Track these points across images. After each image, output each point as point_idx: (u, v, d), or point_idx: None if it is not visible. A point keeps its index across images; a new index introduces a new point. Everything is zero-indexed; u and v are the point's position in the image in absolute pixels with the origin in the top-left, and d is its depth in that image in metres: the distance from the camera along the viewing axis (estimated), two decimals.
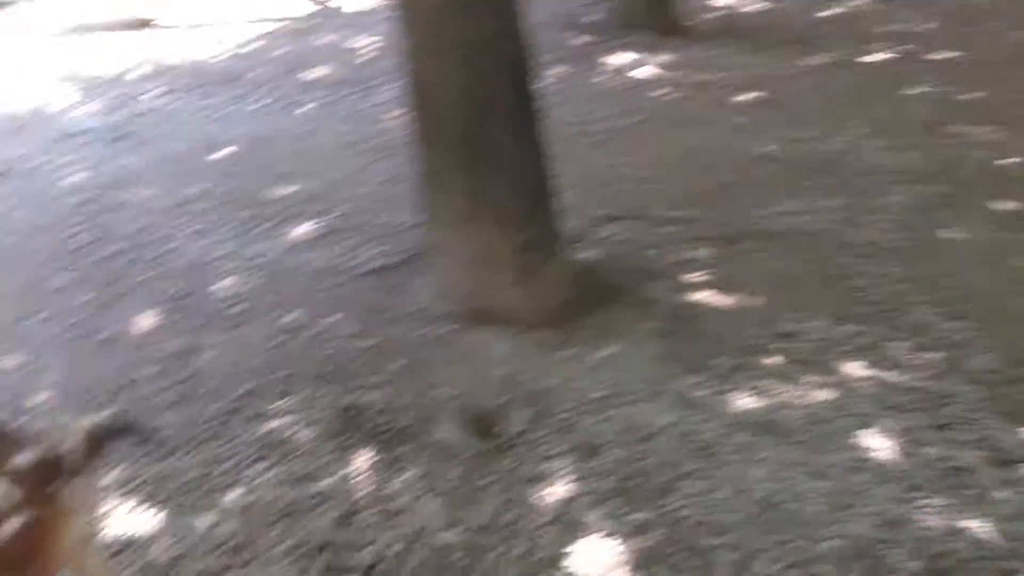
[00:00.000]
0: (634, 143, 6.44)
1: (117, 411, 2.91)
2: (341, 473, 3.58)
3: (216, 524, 3.38)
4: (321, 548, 3.24)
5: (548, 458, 3.55)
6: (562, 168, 4.58)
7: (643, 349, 4.13)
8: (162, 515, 3.43)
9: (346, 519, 3.36)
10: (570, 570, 3.08)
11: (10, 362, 4.33)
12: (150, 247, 5.31)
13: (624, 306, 4.44)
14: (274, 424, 3.86)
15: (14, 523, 2.21)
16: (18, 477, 2.25)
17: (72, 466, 2.31)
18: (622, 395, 3.85)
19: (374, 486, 3.50)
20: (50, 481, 2.30)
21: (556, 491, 3.40)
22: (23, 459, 2.28)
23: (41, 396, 4.04)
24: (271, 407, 3.96)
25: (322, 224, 5.51)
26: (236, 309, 4.70)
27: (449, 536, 3.26)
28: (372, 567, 3.16)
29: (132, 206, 5.82)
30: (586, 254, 4.89)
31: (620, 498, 3.33)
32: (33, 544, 2.27)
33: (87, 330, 4.57)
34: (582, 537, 3.19)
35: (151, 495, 3.53)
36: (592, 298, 4.51)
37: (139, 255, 5.23)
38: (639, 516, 3.24)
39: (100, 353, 4.39)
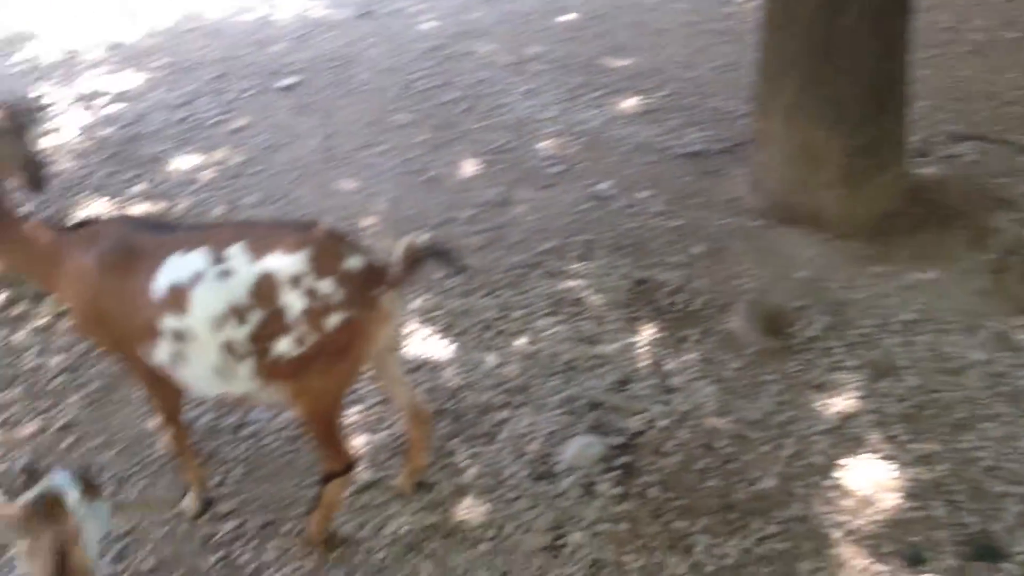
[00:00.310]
0: (1011, 60, 5.75)
1: (437, 236, 3.08)
2: (624, 342, 3.63)
3: (501, 364, 3.57)
4: (593, 406, 3.33)
5: (837, 369, 3.40)
6: (920, 74, 4.20)
7: (968, 279, 3.78)
8: (455, 346, 3.67)
9: (621, 385, 3.43)
10: (840, 482, 2.97)
11: (349, 185, 4.73)
12: (485, 99, 5.53)
13: (956, 231, 4.07)
14: (569, 284, 3.96)
15: (338, 318, 2.45)
16: (345, 278, 2.47)
17: (393, 277, 2.48)
18: (934, 322, 3.57)
19: (654, 360, 3.53)
20: (372, 287, 2.50)
21: (839, 403, 3.25)
22: (351, 263, 2.49)
23: (370, 219, 4.40)
24: (569, 268, 4.06)
25: (649, 100, 5.46)
26: (552, 170, 4.81)
27: (718, 423, 3.24)
28: (637, 434, 3.22)
29: (475, 58, 6.06)
30: (926, 170, 4.50)
31: (908, 424, 3.13)
32: (351, 338, 2.50)
33: (417, 167, 4.88)
34: (858, 454, 3.05)
35: (449, 326, 3.78)
36: (921, 217, 4.16)
37: (474, 105, 5.47)
38: (925, 447, 3.04)
39: (425, 189, 4.69)
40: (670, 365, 3.50)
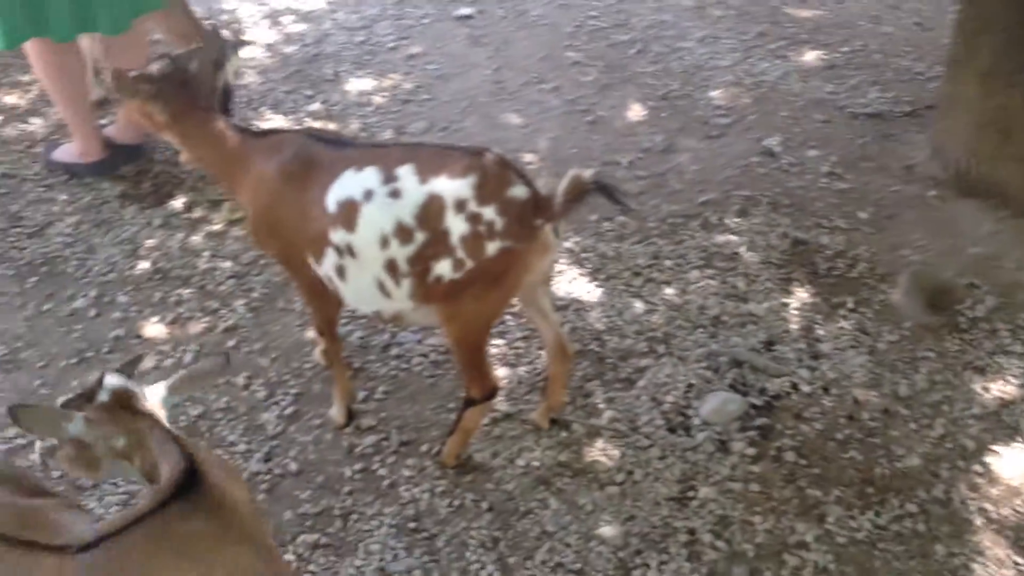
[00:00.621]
0: None
1: (602, 172, 3.07)
2: (775, 302, 3.55)
3: (647, 312, 3.57)
4: (736, 364, 3.29)
5: (1001, 353, 3.23)
6: None
7: None
8: (602, 290, 3.68)
9: (768, 346, 3.37)
10: (989, 468, 2.84)
11: (514, 119, 4.76)
12: (658, 43, 5.43)
13: None
14: (725, 238, 3.89)
15: (497, 245, 2.50)
16: (508, 207, 2.50)
17: (556, 209, 2.49)
18: None
19: (804, 324, 3.44)
20: (534, 217, 2.52)
21: (998, 388, 3.10)
22: (515, 192, 2.52)
23: (531, 156, 4.43)
24: (727, 222, 3.99)
25: (832, 55, 5.22)
26: (721, 120, 4.70)
27: (866, 395, 3.14)
28: (778, 397, 3.16)
29: (655, 1, 5.93)
30: None
31: None
32: (507, 267, 2.55)
33: (583, 107, 4.85)
34: (1012, 443, 2.91)
35: (598, 269, 3.78)
36: None
37: (646, 48, 5.37)
38: None
39: (588, 130, 4.67)
40: (821, 331, 3.41)
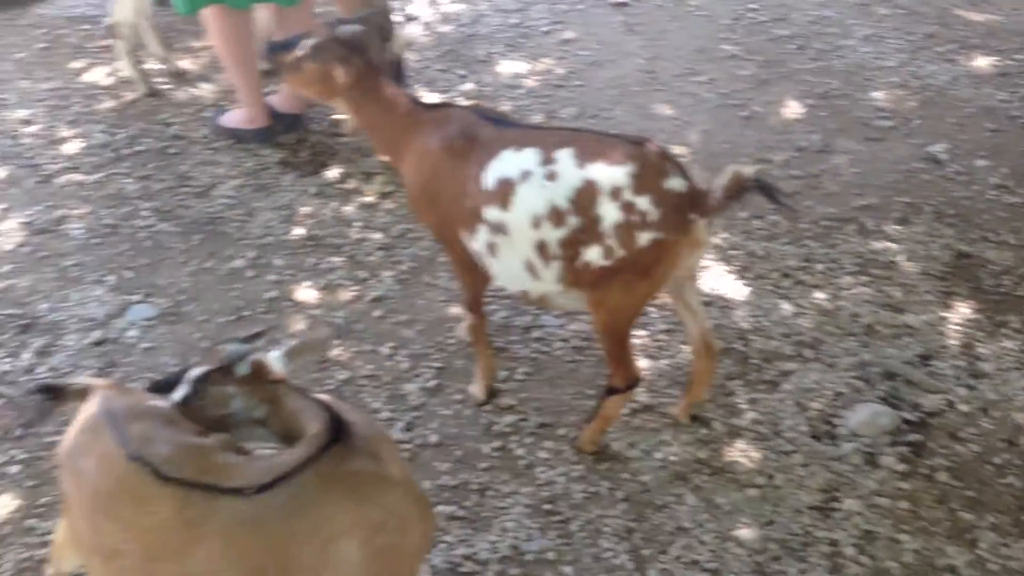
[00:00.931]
0: None
1: (763, 170, 3.01)
2: (934, 315, 3.42)
3: (795, 315, 3.48)
4: (888, 376, 3.19)
5: None
6: None
7: None
8: (749, 289, 3.61)
9: (924, 360, 3.25)
10: None
11: (665, 110, 4.71)
12: (819, 39, 5.27)
13: None
14: (882, 245, 3.77)
15: (649, 236, 2.48)
16: (664, 198, 2.48)
17: (712, 204, 2.46)
18: None
19: (965, 341, 3.31)
20: (690, 211, 2.50)
21: None
22: (673, 184, 2.50)
23: (681, 148, 4.37)
24: (885, 228, 3.86)
25: (1005, 63, 4.98)
26: (882, 123, 4.54)
27: None
28: (933, 414, 3.05)
29: None
30: None
31: None
32: (658, 259, 2.53)
33: (737, 101, 4.76)
34: None
35: (746, 268, 3.72)
36: None
37: (807, 44, 5.23)
38: None
39: (742, 126, 4.58)
40: (982, 349, 3.27)
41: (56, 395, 2.14)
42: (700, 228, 2.54)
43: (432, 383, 3.26)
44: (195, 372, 2.10)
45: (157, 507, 1.80)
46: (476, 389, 3.20)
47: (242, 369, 2.08)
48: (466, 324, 3.34)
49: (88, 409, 2.03)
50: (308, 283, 3.69)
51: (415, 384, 3.26)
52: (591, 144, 2.57)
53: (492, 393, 3.19)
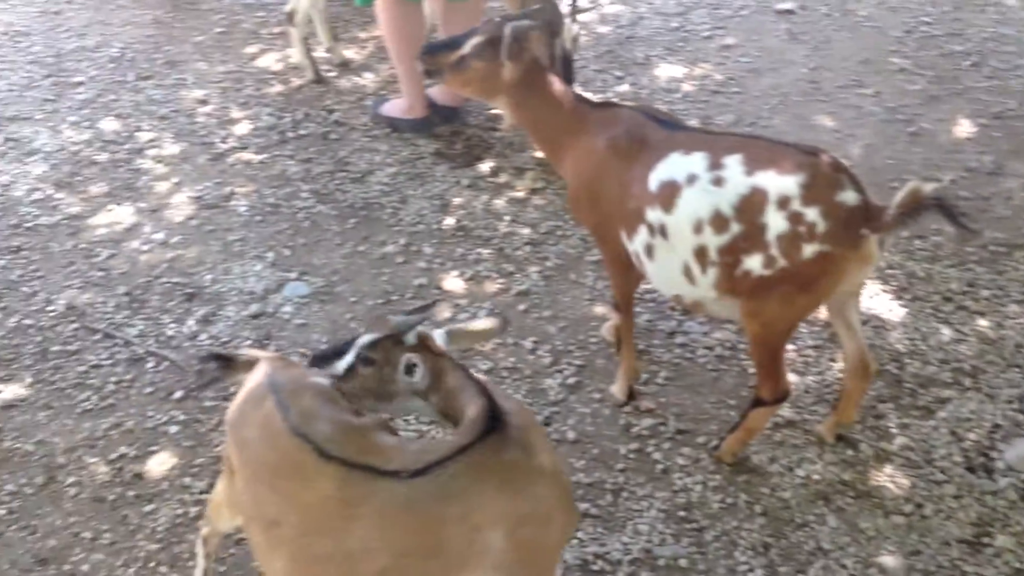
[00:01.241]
0: None
1: (948, 187, 2.88)
2: None
3: (955, 341, 3.35)
4: None
5: None
6: None
7: None
8: (906, 311, 3.48)
9: None
10: None
11: (827, 122, 4.58)
12: (996, 57, 5.03)
13: None
14: None
15: (814, 249, 2.42)
16: (834, 211, 2.40)
17: (886, 220, 2.37)
18: None
19: None
20: (861, 226, 2.41)
21: None
22: (845, 197, 2.42)
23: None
24: None
25: None
26: None
27: None
28: None
29: (997, 10, 5.49)
30: None
31: None
32: (822, 272, 2.46)
33: (903, 117, 4.59)
34: None
35: (904, 289, 3.58)
36: None
37: (982, 61, 4.99)
38: None
39: (908, 142, 4.41)
40: None
41: (227, 364, 2.24)
42: (871, 244, 2.45)
43: (572, 380, 3.27)
44: (365, 339, 2.16)
45: (318, 484, 1.86)
46: (617, 389, 3.19)
47: (410, 339, 2.13)
48: (611, 324, 3.34)
49: (254, 380, 2.12)
50: (455, 273, 3.75)
51: (555, 380, 3.27)
52: (761, 152, 2.52)
53: (632, 395, 3.18)
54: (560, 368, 3.32)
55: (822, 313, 3.25)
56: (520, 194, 4.17)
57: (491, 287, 3.68)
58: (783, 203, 2.42)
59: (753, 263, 2.49)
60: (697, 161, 2.54)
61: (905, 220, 2.34)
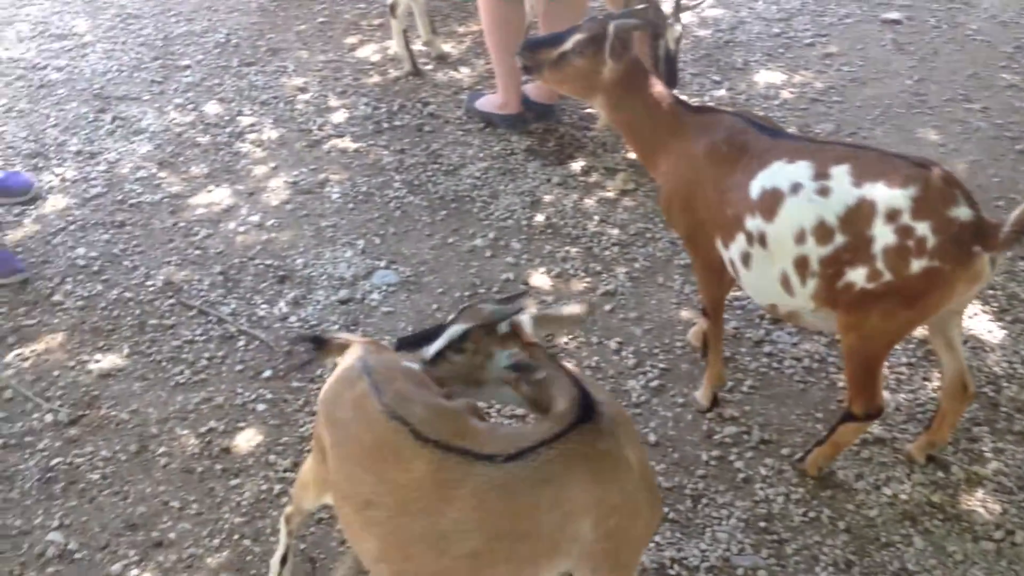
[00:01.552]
0: None
1: None
2: None
3: None
4: None
5: None
6: None
7: None
8: (1005, 332, 3.37)
9: None
10: None
11: (930, 135, 4.45)
12: None
13: None
14: None
15: (922, 264, 2.35)
16: (945, 226, 2.33)
17: (1002, 239, 2.30)
18: None
19: None
20: (974, 243, 2.34)
21: None
22: (958, 213, 2.34)
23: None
24: None
25: None
26: None
27: None
28: None
29: None
30: None
31: None
32: (928, 289, 2.38)
33: (1013, 134, 4.43)
34: None
35: (1004, 310, 3.48)
36: None
37: None
38: None
39: (1017, 159, 4.27)
40: None
41: (321, 346, 2.28)
42: (983, 263, 2.37)
43: (655, 383, 3.25)
44: (457, 328, 2.17)
45: (413, 466, 1.88)
46: (701, 395, 3.15)
47: (503, 328, 2.14)
48: (698, 328, 3.30)
49: (347, 362, 2.15)
50: (543, 269, 3.75)
51: (638, 382, 3.25)
52: (871, 163, 2.45)
53: (715, 402, 3.14)
54: (644, 370, 3.30)
55: (919, 331, 3.17)
56: (610, 194, 4.15)
57: (578, 286, 3.67)
58: (892, 216, 2.36)
59: (856, 275, 2.43)
60: (802, 170, 2.49)
61: (1021, 239, 2.26)
